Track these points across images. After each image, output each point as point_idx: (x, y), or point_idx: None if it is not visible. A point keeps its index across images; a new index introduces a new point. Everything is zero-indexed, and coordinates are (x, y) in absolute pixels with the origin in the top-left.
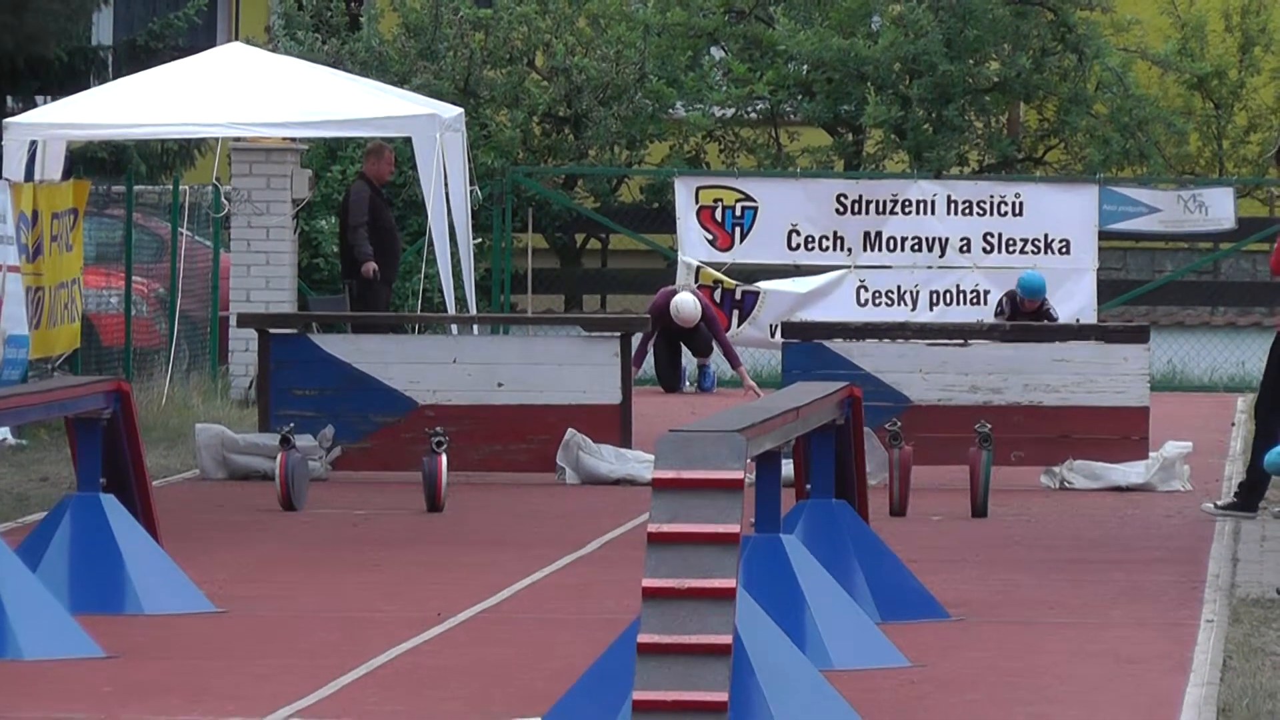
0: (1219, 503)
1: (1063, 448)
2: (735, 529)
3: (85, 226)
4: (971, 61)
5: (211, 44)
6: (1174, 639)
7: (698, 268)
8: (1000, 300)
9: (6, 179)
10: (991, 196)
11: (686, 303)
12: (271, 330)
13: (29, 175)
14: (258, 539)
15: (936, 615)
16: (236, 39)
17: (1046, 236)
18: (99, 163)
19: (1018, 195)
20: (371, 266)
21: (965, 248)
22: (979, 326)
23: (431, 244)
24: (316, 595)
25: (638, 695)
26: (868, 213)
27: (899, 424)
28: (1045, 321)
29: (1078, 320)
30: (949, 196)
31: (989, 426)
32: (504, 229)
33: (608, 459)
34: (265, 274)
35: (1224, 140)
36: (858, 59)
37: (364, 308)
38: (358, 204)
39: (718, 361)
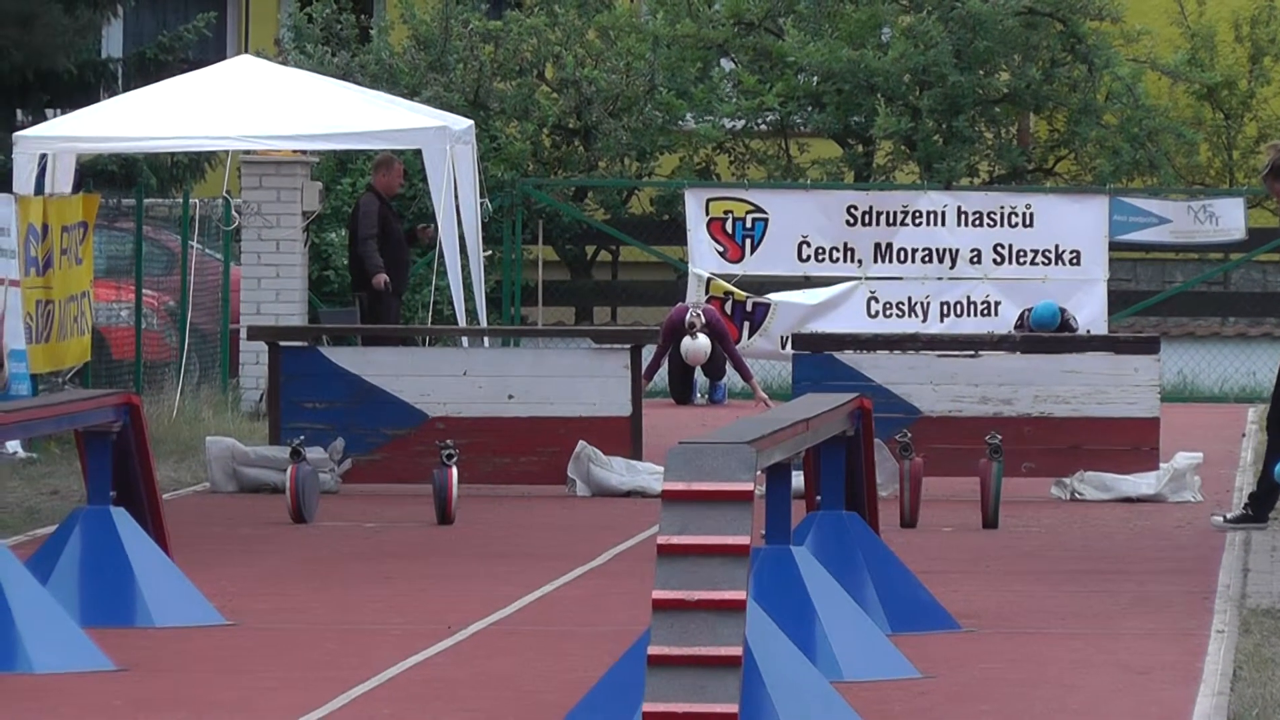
0: (1229, 515)
1: (1073, 459)
2: (745, 540)
3: (95, 240)
4: (981, 72)
5: (221, 57)
6: (1184, 649)
7: (708, 279)
8: (1022, 313)
9: (15, 193)
10: (1002, 207)
11: (697, 349)
12: (282, 343)
13: (39, 189)
14: (268, 552)
15: (947, 626)
16: (246, 52)
17: (1057, 247)
18: (109, 176)
19: (1028, 206)
20: (383, 278)
21: (976, 259)
22: (989, 338)
23: (442, 256)
24: (327, 608)
25: (648, 707)
26: (878, 224)
27: (909, 435)
28: (1066, 332)
29: (1088, 331)
30: (959, 207)
31: (999, 438)
32: (514, 241)
33: (618, 471)
34: (275, 287)
35: (1234, 151)
36: (867, 70)
37: (374, 320)
38: (367, 216)
39: (728, 375)
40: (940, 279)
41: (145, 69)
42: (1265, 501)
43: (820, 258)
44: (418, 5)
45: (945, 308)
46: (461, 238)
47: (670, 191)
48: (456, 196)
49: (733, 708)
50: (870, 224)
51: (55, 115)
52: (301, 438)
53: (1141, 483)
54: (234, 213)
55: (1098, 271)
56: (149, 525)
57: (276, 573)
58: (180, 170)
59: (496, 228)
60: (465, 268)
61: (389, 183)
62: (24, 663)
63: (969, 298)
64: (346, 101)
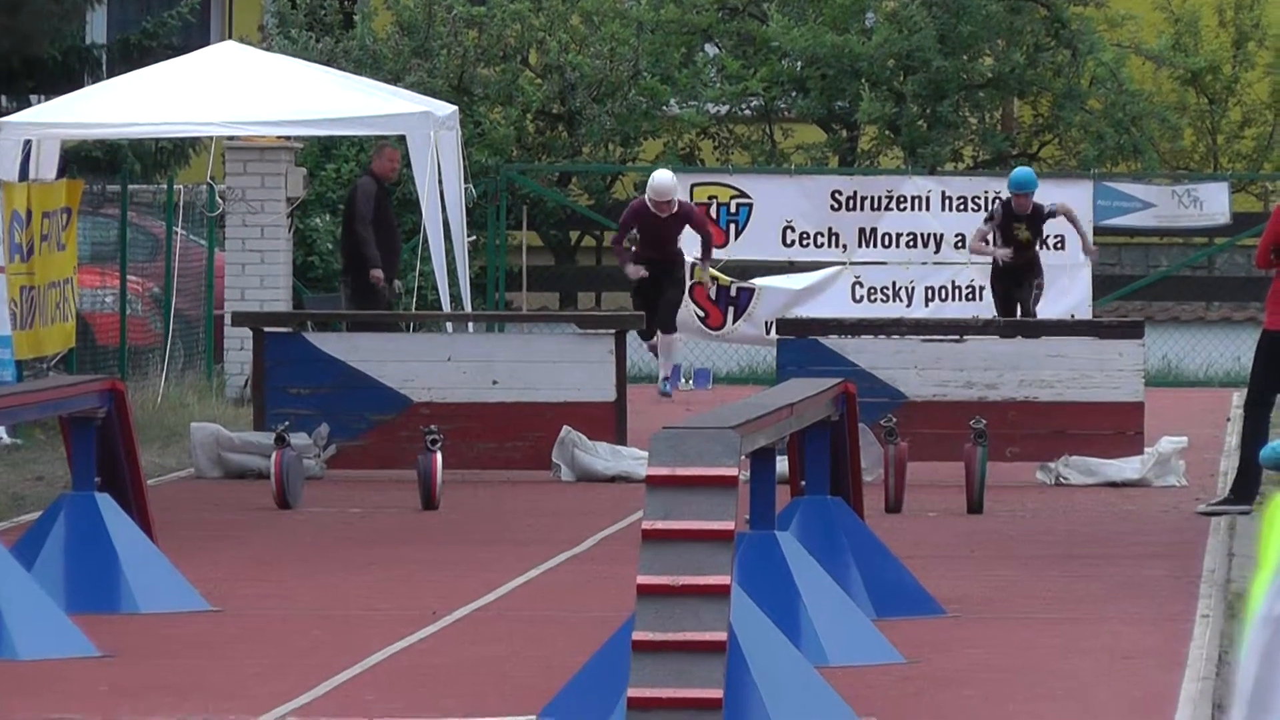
0: (1211, 502)
1: (1058, 443)
2: (730, 525)
3: (80, 226)
4: (965, 57)
5: (205, 43)
6: (1169, 634)
7: (693, 264)
8: (993, 210)
9: None
10: (986, 192)
11: (664, 178)
12: (266, 329)
13: (24, 175)
14: (253, 538)
15: (932, 611)
16: (230, 37)
17: (1041, 232)
18: (94, 162)
19: None
20: (378, 274)
21: (960, 243)
22: (974, 322)
23: (426, 242)
24: (312, 594)
25: (633, 692)
26: (862, 209)
27: (894, 420)
28: (1043, 222)
29: (1073, 316)
30: (943, 192)
31: (984, 422)
32: (498, 226)
33: (603, 456)
34: (260, 272)
35: (1218, 135)
36: (852, 55)
37: (364, 305)
38: (365, 200)
39: (713, 360)
40: (925, 264)
41: (129, 55)
42: (1248, 484)
43: (805, 243)
44: None
45: (930, 292)
46: (446, 223)
47: None
48: (440, 182)
49: (717, 693)
50: (855, 209)
51: (39, 101)
52: (286, 423)
53: (1126, 467)
54: (218, 198)
55: (1082, 256)
56: (134, 511)
57: (261, 558)
58: (164, 156)
59: (480, 213)
60: (449, 253)
61: (383, 167)
62: (9, 649)
63: (953, 282)
64: (330, 87)
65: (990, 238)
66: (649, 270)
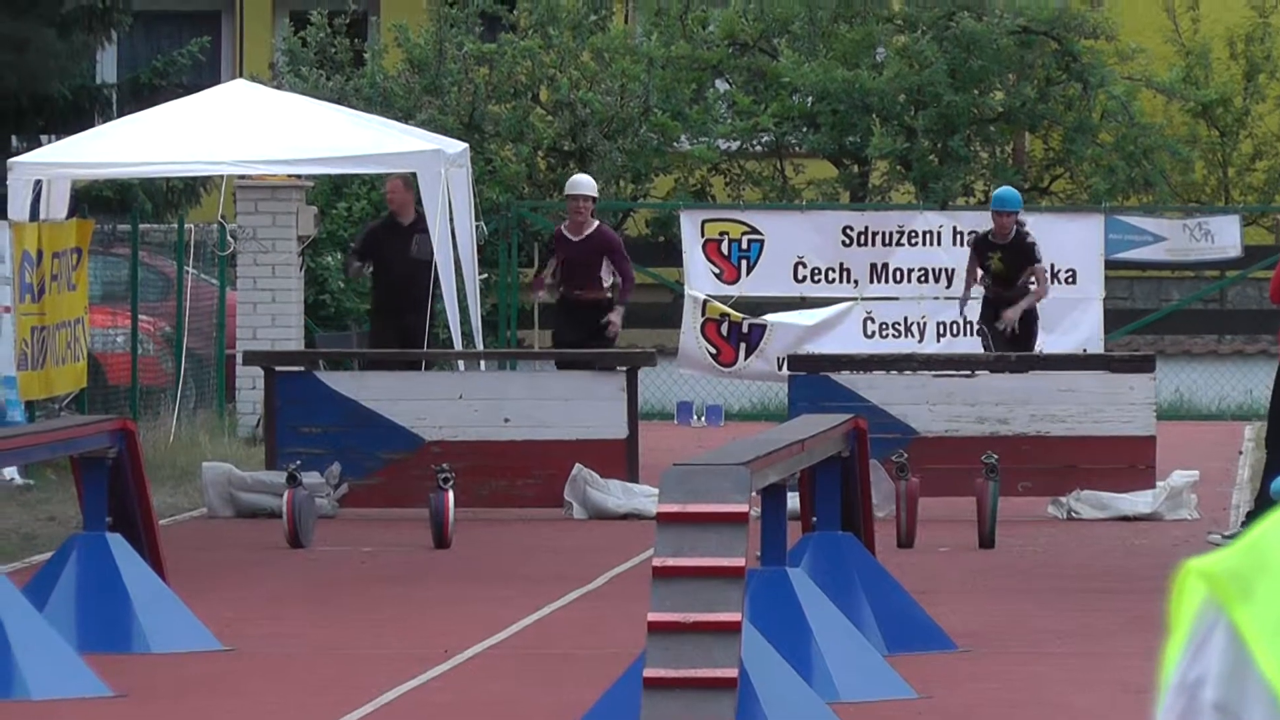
0: (1226, 533)
1: (1070, 478)
2: (740, 562)
3: (91, 265)
4: (976, 92)
5: (215, 81)
6: None
7: (704, 301)
8: (970, 254)
9: (10, 219)
10: None
11: (581, 175)
12: (278, 368)
13: (34, 215)
14: (265, 577)
15: (943, 646)
16: (240, 76)
17: (1052, 266)
18: (104, 201)
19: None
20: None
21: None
22: (986, 357)
23: (438, 280)
24: (324, 633)
25: None
26: (874, 244)
27: (906, 455)
28: (1027, 252)
29: (1084, 350)
30: (955, 227)
31: (996, 457)
32: (510, 264)
33: (615, 494)
34: (271, 311)
35: (1229, 168)
36: (862, 90)
37: (378, 344)
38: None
39: (725, 396)
40: (936, 299)
41: (139, 94)
42: (1263, 517)
43: (816, 278)
44: (412, 28)
45: (941, 328)
46: (457, 261)
47: (666, 213)
48: (452, 220)
49: None
50: (866, 244)
51: (50, 141)
52: (298, 462)
53: (1138, 501)
54: (229, 238)
55: (1094, 290)
56: (145, 551)
57: (273, 598)
58: (175, 195)
59: (492, 250)
60: (461, 290)
61: (388, 200)
62: (22, 689)
63: (965, 317)
64: (341, 125)
65: (973, 275)
66: (572, 315)
